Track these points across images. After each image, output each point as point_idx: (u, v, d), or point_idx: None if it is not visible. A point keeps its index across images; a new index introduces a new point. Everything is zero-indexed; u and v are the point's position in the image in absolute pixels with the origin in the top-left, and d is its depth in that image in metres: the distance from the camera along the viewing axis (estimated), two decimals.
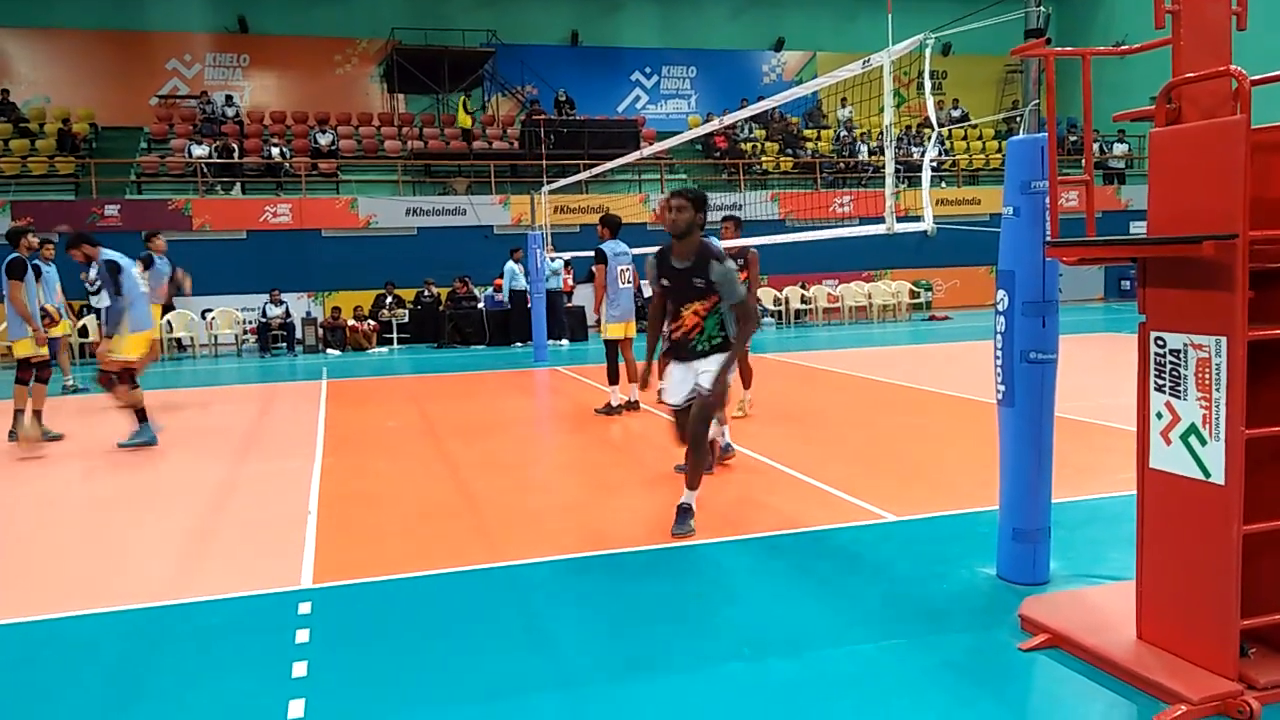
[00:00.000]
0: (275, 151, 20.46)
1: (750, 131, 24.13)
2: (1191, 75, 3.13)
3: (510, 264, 17.71)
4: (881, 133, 5.54)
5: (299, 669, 3.57)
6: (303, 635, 3.89)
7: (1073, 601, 3.81)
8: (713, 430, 6.50)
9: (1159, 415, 3.22)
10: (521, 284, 17.53)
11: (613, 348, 9.20)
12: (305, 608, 4.20)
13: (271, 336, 17.45)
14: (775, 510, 5.72)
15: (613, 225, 9.44)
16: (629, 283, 9.31)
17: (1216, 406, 3.01)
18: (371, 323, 18.03)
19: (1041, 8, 4.03)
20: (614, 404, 9.11)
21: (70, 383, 11.77)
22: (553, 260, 16.60)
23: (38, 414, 8.62)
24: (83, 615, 4.24)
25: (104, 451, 8.26)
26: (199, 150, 19.82)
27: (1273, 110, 2.99)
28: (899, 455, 7.06)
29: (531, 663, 3.61)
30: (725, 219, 8.04)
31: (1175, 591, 3.22)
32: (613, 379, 9.18)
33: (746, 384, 8.50)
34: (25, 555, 5.26)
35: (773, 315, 20.45)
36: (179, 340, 17.68)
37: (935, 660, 3.49)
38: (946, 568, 4.46)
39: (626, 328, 9.23)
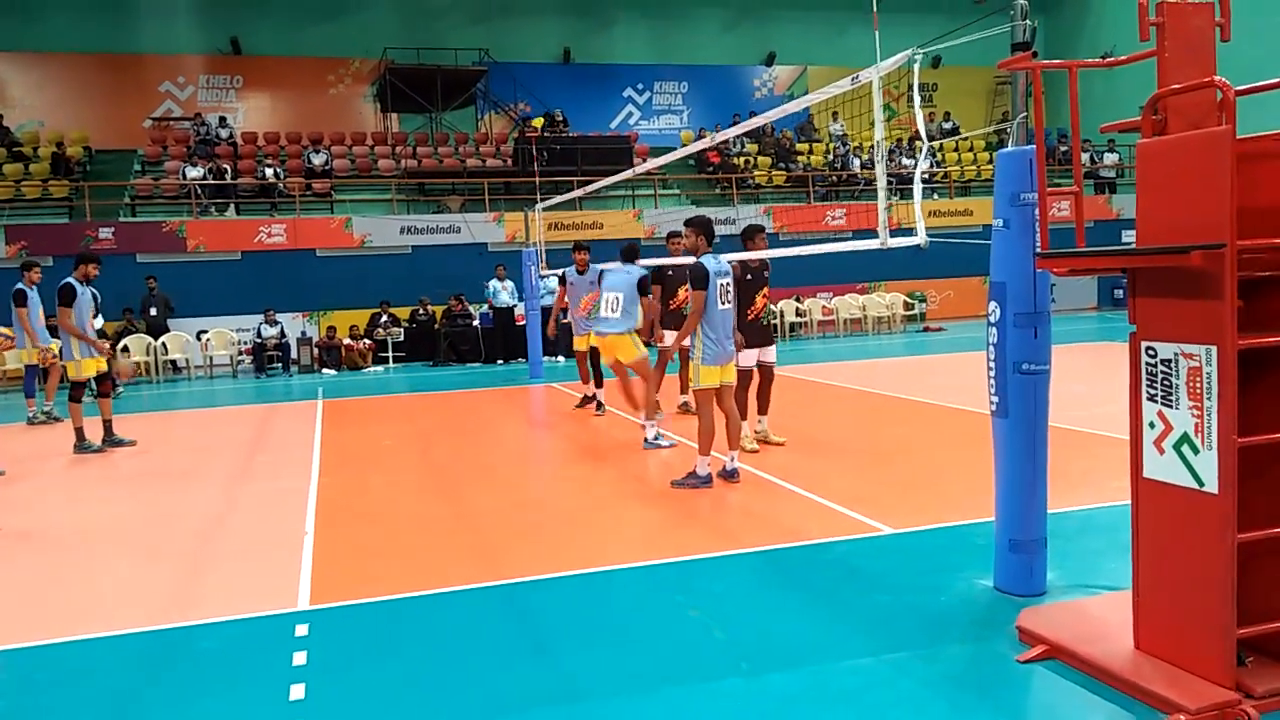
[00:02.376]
0: (269, 172, 20.48)
1: (743, 146, 24.23)
2: (1177, 86, 3.16)
3: (493, 281, 17.74)
4: (873, 146, 5.55)
5: (297, 691, 3.56)
6: (300, 658, 3.88)
7: (1070, 612, 3.81)
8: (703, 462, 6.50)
9: (1151, 425, 3.23)
10: (504, 301, 17.59)
11: (596, 354, 9.85)
12: (303, 629, 4.18)
13: (267, 357, 17.42)
14: (773, 524, 5.72)
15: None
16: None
17: (1208, 415, 3.02)
18: (367, 342, 18.03)
19: (1028, 21, 4.07)
20: (589, 395, 10.31)
21: (49, 408, 11.71)
22: (545, 278, 16.61)
23: (108, 424, 9.43)
24: (79, 640, 4.22)
25: (99, 476, 8.25)
26: (193, 172, 19.84)
27: (1257, 120, 3.01)
28: (895, 467, 7.07)
29: (531, 679, 3.60)
30: (755, 230, 7.83)
31: (1172, 601, 3.22)
32: (586, 379, 10.36)
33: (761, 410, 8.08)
34: (21, 580, 5.23)
35: None
36: (174, 362, 17.64)
37: (933, 672, 3.49)
38: (944, 579, 4.46)
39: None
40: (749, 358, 7.66)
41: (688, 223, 6.80)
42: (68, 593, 4.96)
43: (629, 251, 9.13)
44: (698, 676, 3.56)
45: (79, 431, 9.24)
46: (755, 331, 7.66)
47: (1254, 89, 3.16)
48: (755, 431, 7.91)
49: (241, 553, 5.56)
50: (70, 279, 9.26)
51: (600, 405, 10.31)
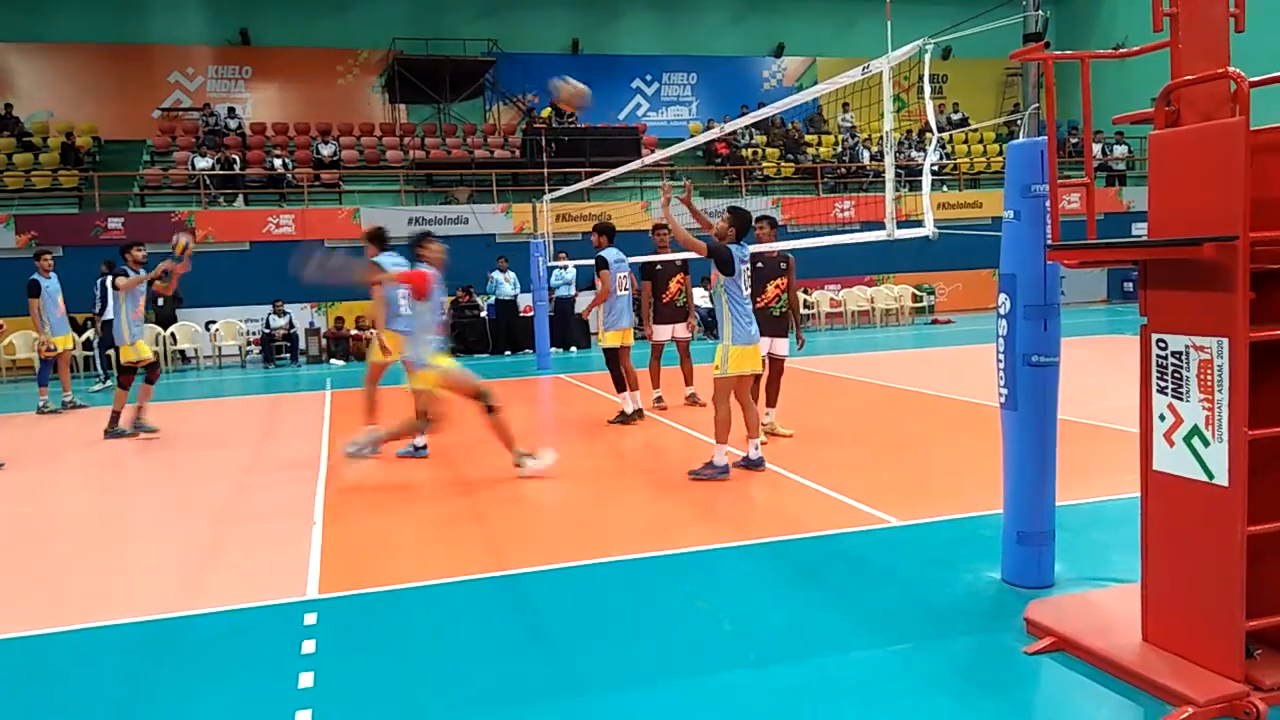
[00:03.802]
0: (278, 163, 20.51)
1: (751, 138, 24.16)
2: (1190, 77, 3.14)
3: (495, 273, 17.71)
4: (882, 138, 5.53)
5: (305, 679, 3.58)
6: (309, 646, 3.90)
7: (1078, 604, 3.81)
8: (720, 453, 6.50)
9: (1161, 417, 3.22)
10: (507, 293, 17.55)
11: (613, 355, 9.16)
12: (311, 618, 4.20)
13: (275, 347, 17.47)
14: (780, 515, 5.72)
15: (610, 232, 9.41)
16: (626, 289, 9.32)
17: (1219, 408, 3.01)
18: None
19: (1040, 11, 4.04)
20: (628, 411, 9.03)
21: (69, 397, 11.81)
22: (565, 269, 16.58)
23: (140, 408, 9.51)
24: (88, 628, 4.25)
25: (109, 464, 8.29)
26: (202, 162, 19.88)
27: (1271, 111, 2.99)
28: (903, 459, 7.06)
29: (537, 670, 3.62)
30: (761, 219, 7.80)
31: (1180, 594, 3.21)
32: (620, 386, 9.14)
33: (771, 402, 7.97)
34: (32, 569, 5.27)
35: None
36: (183, 352, 17.70)
37: (941, 665, 3.49)
38: (951, 572, 4.46)
39: (624, 335, 9.15)
40: (760, 347, 7.64)
41: (730, 210, 6.61)
42: (79, 580, 4.99)
43: (380, 239, 8.08)
44: (705, 667, 3.56)
45: (115, 415, 9.40)
46: (765, 321, 7.62)
47: (1268, 80, 3.13)
48: (763, 424, 7.90)
49: (250, 542, 5.59)
50: (124, 265, 9.43)
51: (640, 413, 9.11)
